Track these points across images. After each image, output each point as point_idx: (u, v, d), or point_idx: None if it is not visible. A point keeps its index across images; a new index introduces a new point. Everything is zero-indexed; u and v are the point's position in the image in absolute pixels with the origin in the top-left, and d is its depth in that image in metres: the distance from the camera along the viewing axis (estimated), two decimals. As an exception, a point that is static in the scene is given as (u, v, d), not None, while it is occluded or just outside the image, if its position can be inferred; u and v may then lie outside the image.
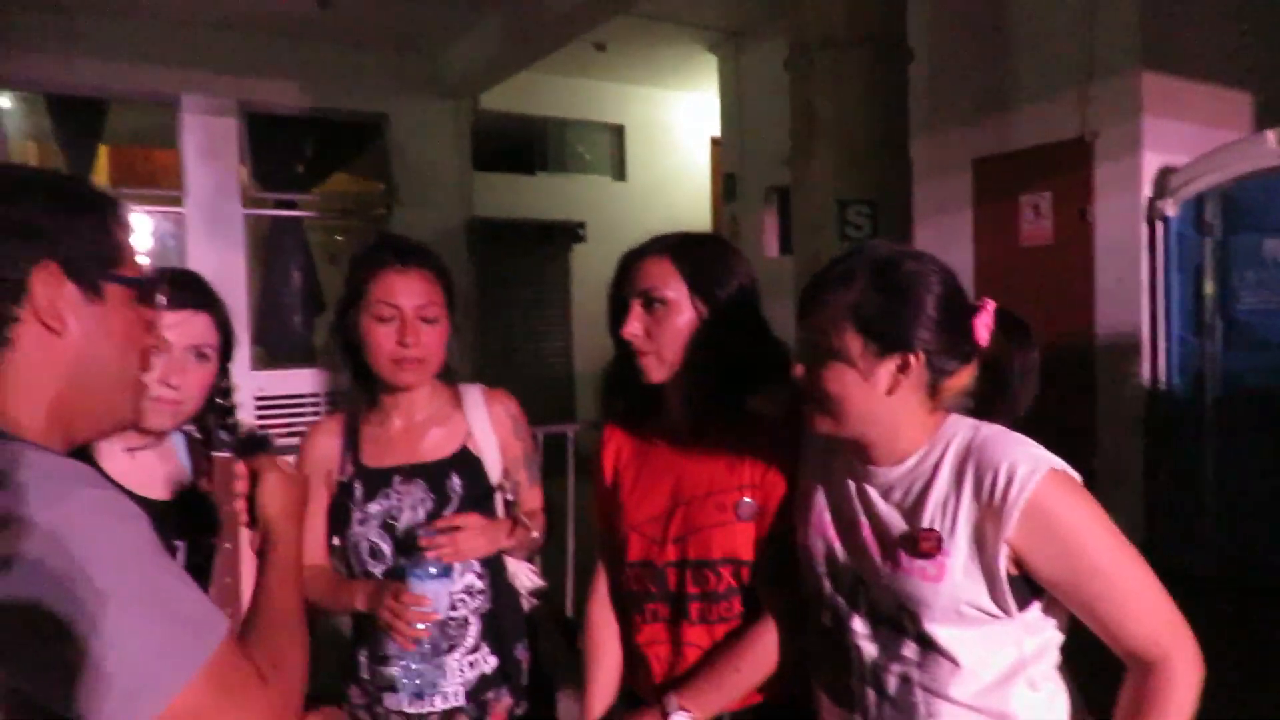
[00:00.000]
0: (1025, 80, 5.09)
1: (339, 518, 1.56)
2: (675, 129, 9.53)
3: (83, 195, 0.86)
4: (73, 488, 0.72)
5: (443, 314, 1.54)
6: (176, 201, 6.63)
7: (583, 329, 8.78)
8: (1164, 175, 4.64)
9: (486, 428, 1.61)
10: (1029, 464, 1.02)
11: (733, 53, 7.52)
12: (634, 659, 1.42)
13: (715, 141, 9.10)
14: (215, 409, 1.43)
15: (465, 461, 1.58)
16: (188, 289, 1.32)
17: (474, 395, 1.65)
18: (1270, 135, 4.23)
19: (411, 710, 1.51)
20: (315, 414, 6.50)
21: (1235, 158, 4.38)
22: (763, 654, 1.28)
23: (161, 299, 0.92)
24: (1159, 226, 4.66)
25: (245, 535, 1.33)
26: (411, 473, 1.55)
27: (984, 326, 1.12)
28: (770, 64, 6.73)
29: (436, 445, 1.58)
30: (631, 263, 1.39)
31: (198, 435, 1.48)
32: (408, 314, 1.50)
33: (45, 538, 0.68)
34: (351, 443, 1.58)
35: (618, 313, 1.39)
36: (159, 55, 6.35)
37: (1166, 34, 4.66)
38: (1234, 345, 4.48)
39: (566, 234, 8.64)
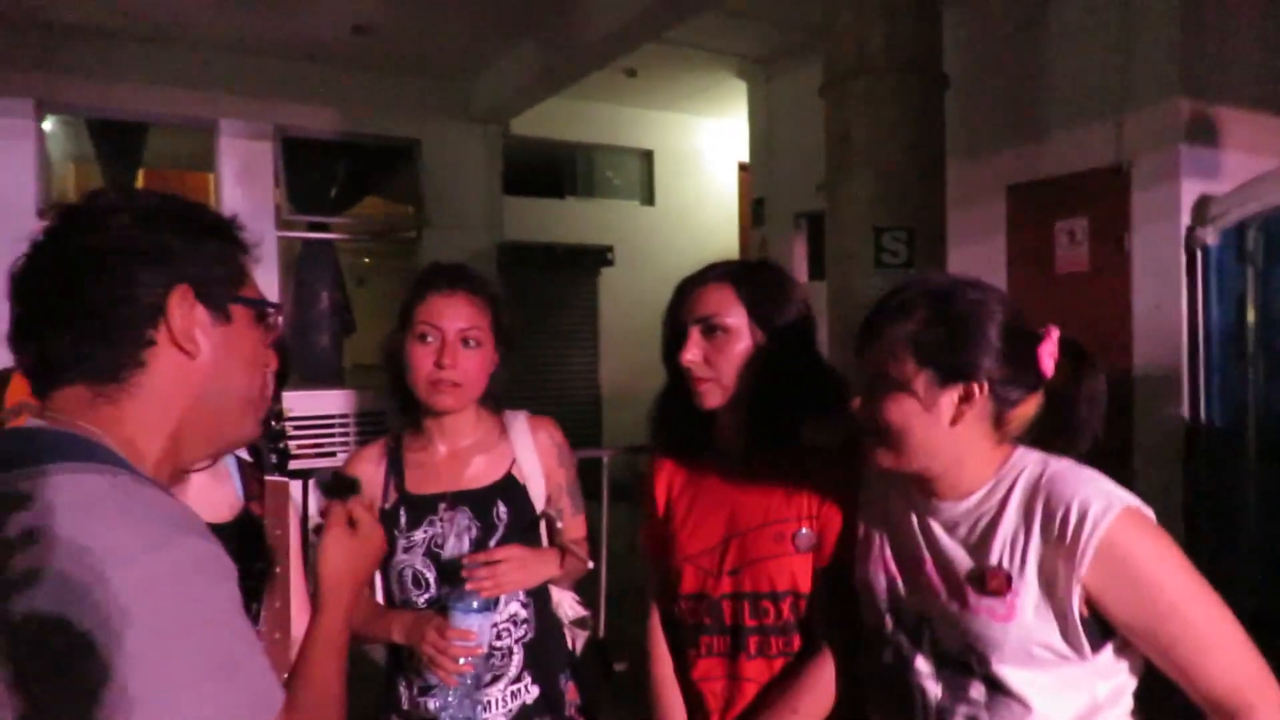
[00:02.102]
0: (1061, 107, 5.05)
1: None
2: (704, 154, 9.56)
3: (206, 220, 0.88)
4: (177, 535, 0.71)
5: (487, 338, 1.53)
6: (212, 224, 6.71)
7: (610, 353, 8.78)
8: (1203, 203, 4.58)
9: (532, 455, 1.60)
10: (1102, 501, 0.99)
11: (762, 79, 7.54)
12: (689, 695, 1.39)
13: (743, 167, 9.12)
14: (268, 432, 1.43)
15: (511, 489, 1.56)
16: None
17: (519, 422, 1.64)
18: (1313, 163, 4.17)
19: None
20: (344, 435, 6.53)
21: (1277, 186, 4.31)
22: (820, 694, 1.25)
23: (279, 319, 0.93)
24: (1199, 255, 4.59)
25: (297, 558, 1.32)
26: (457, 500, 1.54)
27: (1049, 355, 1.09)
28: (799, 90, 6.76)
29: (482, 472, 1.56)
30: (690, 289, 1.38)
31: (248, 458, 1.48)
32: (448, 335, 1.49)
33: (141, 583, 0.66)
34: (395, 469, 1.57)
35: (674, 339, 1.37)
36: (198, 81, 6.48)
37: (1204, 61, 4.61)
38: (1275, 376, 4.39)
39: (595, 258, 8.66)
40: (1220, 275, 4.53)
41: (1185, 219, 4.61)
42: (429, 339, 1.49)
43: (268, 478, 1.46)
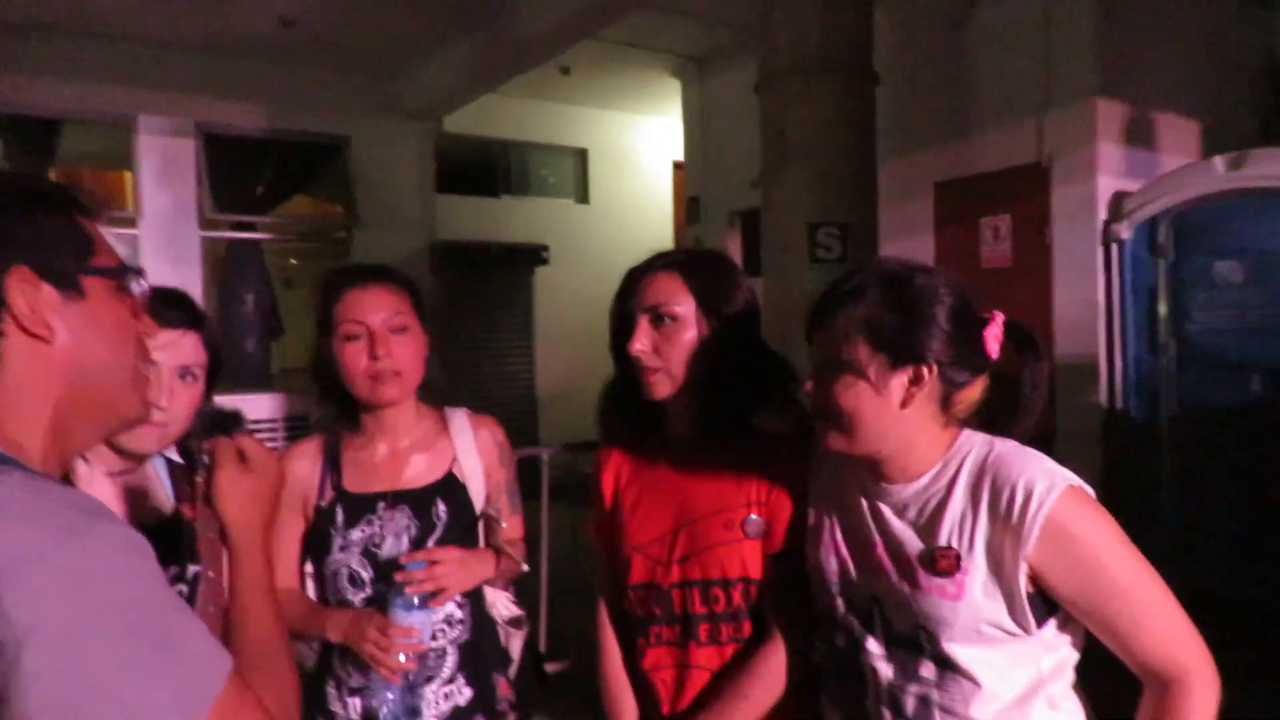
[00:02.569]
0: (986, 106, 5.21)
1: (317, 544, 1.52)
2: (638, 153, 9.59)
3: (43, 192, 0.81)
4: (83, 524, 0.68)
5: (414, 324, 1.51)
6: (130, 223, 6.48)
7: (546, 352, 8.74)
8: (1118, 199, 4.78)
9: (472, 453, 1.58)
10: (1046, 480, 1.03)
11: (696, 78, 7.60)
12: (640, 685, 1.39)
13: (677, 165, 9.17)
14: (200, 432, 1.38)
15: (451, 488, 1.54)
16: (176, 307, 1.28)
17: (460, 420, 1.62)
18: (1218, 161, 4.38)
19: None
20: (272, 440, 6.36)
21: (1186, 183, 4.52)
22: (772, 679, 1.26)
23: (143, 283, 0.86)
24: (1114, 249, 4.79)
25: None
26: (396, 499, 1.51)
27: (994, 338, 1.12)
28: (733, 89, 6.83)
29: (422, 471, 1.54)
30: (638, 278, 1.37)
31: (179, 459, 1.42)
32: (375, 328, 1.46)
33: (57, 579, 0.64)
34: (333, 466, 1.54)
35: (622, 329, 1.36)
36: (116, 75, 6.23)
37: (1121, 64, 4.81)
38: (1186, 364, 4.60)
39: (530, 257, 8.61)
40: (1134, 268, 4.74)
41: (1102, 215, 4.80)
42: (358, 337, 1.46)
43: (198, 479, 1.41)
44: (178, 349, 1.25)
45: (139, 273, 0.86)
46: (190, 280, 6.45)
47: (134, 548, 0.70)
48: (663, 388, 1.32)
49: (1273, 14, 5.66)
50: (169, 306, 1.26)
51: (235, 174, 6.91)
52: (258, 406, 6.42)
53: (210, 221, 6.85)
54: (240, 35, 6.27)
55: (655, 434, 1.42)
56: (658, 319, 1.32)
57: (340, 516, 1.50)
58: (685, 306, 1.32)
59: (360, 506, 1.50)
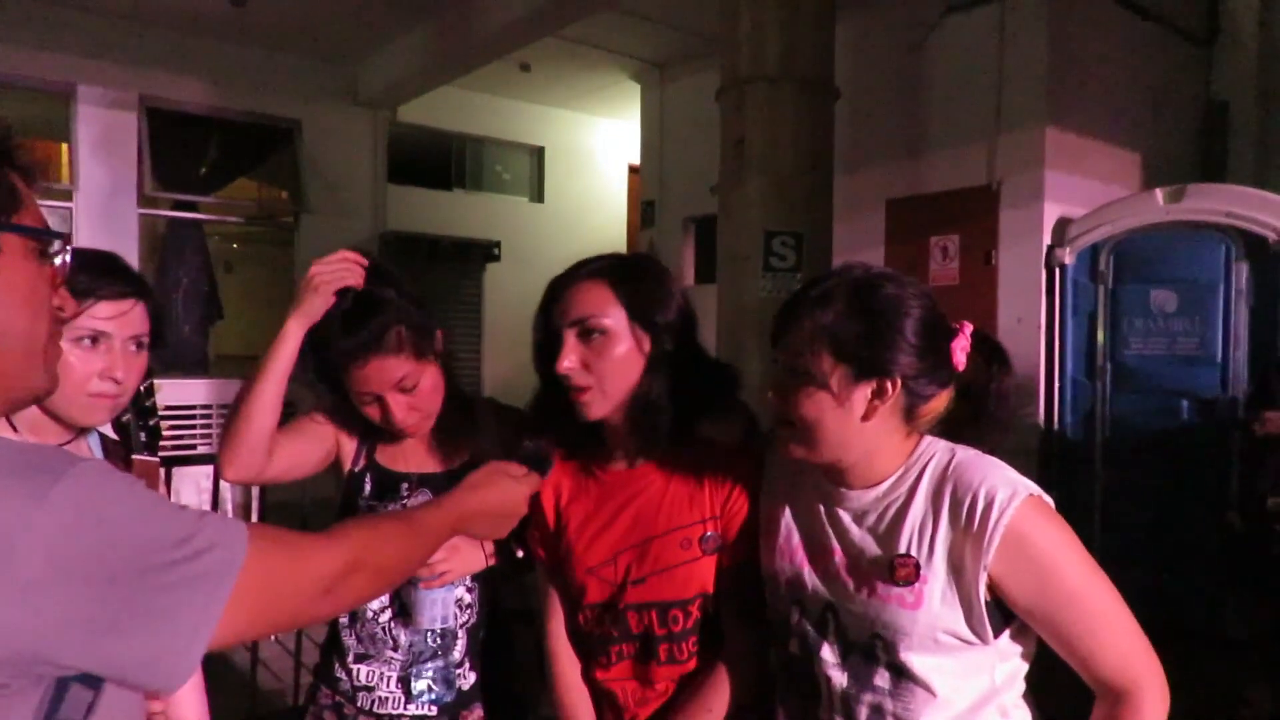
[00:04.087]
0: (939, 128, 5.31)
1: (344, 507, 1.54)
2: (595, 154, 9.55)
3: None
4: (49, 469, 0.64)
5: (418, 370, 1.44)
6: (65, 196, 6.23)
7: (494, 349, 8.64)
8: (1062, 225, 4.91)
9: (494, 444, 1.55)
10: (1008, 489, 1.03)
11: (656, 83, 7.60)
12: (599, 694, 1.34)
13: (633, 169, 9.16)
14: (138, 409, 1.33)
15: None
16: (122, 277, 1.22)
17: (485, 409, 1.63)
18: (1159, 193, 4.53)
19: (382, 712, 1.49)
20: (207, 426, 6.17)
21: (1127, 212, 4.66)
22: (732, 689, 1.23)
23: (67, 258, 0.80)
24: (1056, 273, 4.92)
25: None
26: (420, 482, 1.54)
27: (961, 350, 1.11)
28: (692, 96, 6.85)
29: (445, 457, 1.55)
30: (561, 289, 1.26)
31: (114, 436, 1.36)
32: (387, 396, 1.43)
33: (52, 528, 0.62)
34: (369, 439, 1.54)
35: (547, 345, 1.25)
36: (56, 42, 6.00)
37: (1069, 94, 4.95)
38: (1121, 389, 4.74)
39: (481, 253, 8.51)
40: (1075, 293, 4.87)
41: (1047, 239, 4.93)
42: (374, 401, 1.44)
43: (136, 457, 1.36)
44: (127, 320, 1.20)
45: (65, 240, 0.80)
46: (127, 258, 6.14)
47: (108, 468, 0.69)
48: (596, 408, 1.23)
49: (1210, 52, 5.89)
50: (113, 275, 1.21)
51: (179, 151, 6.71)
52: (194, 392, 6.23)
53: (150, 199, 6.63)
54: (189, 10, 6.08)
55: (591, 447, 1.34)
56: (586, 333, 1.22)
57: (369, 487, 1.54)
58: (615, 318, 1.22)
59: (388, 482, 1.54)
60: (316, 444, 1.52)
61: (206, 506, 2.97)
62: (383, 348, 1.38)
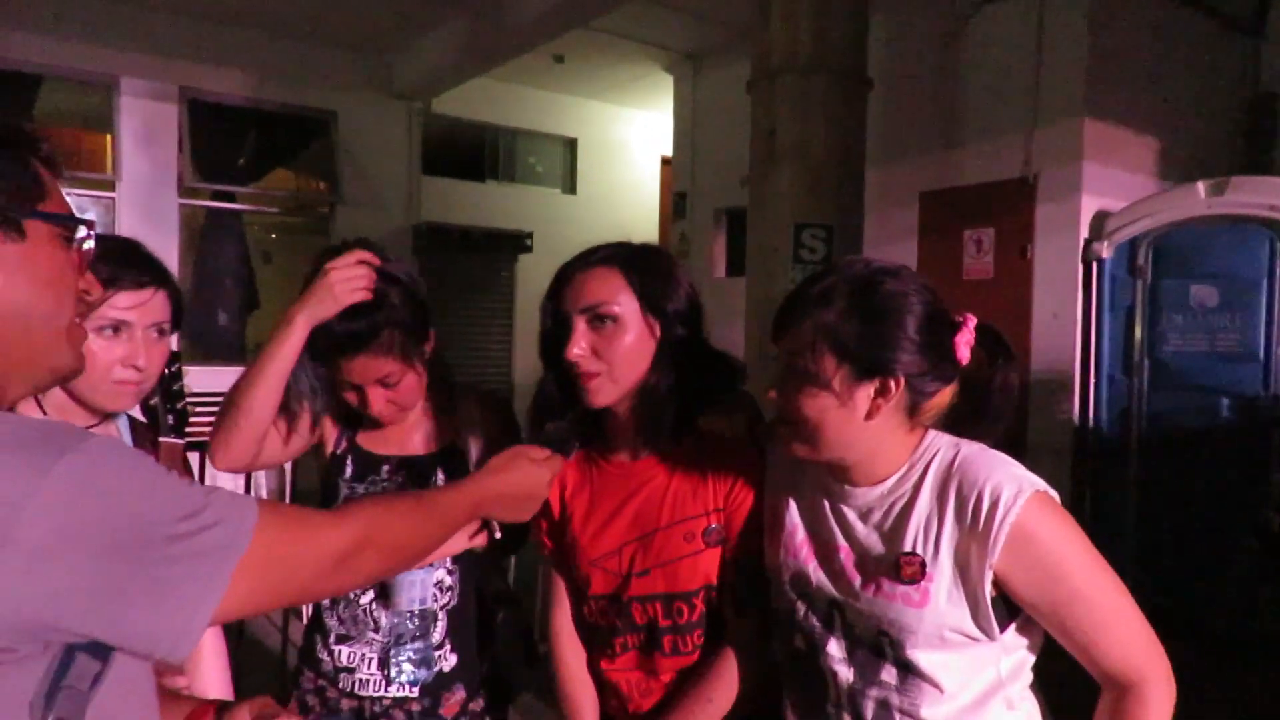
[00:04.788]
0: (974, 119, 5.24)
1: (325, 488, 1.56)
2: (627, 146, 9.55)
3: None
4: (56, 443, 0.66)
5: (403, 370, 1.45)
6: (108, 186, 6.37)
7: (526, 340, 8.67)
8: (1100, 219, 4.81)
9: (475, 428, 1.59)
10: (1013, 486, 1.02)
11: (689, 74, 7.58)
12: (604, 686, 1.36)
13: (665, 160, 9.15)
14: (165, 392, 1.36)
15: (450, 457, 1.57)
16: (144, 266, 1.25)
17: (469, 398, 1.64)
18: (1200, 186, 4.42)
19: (363, 694, 1.50)
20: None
21: (1167, 206, 4.56)
22: (735, 681, 1.24)
23: (91, 243, 0.83)
24: (1094, 267, 4.83)
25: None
26: (400, 465, 1.55)
27: (965, 344, 1.10)
28: (725, 88, 6.82)
29: (425, 440, 1.57)
30: (572, 274, 1.25)
31: (142, 418, 1.40)
32: (370, 388, 1.45)
33: (57, 500, 0.64)
34: (351, 422, 1.56)
35: (556, 331, 1.25)
36: (100, 34, 6.13)
37: (1109, 84, 4.85)
38: (1159, 386, 4.65)
39: (513, 244, 8.56)
40: (1113, 288, 4.77)
41: (1084, 233, 4.84)
42: (354, 390, 1.46)
43: (163, 439, 1.39)
44: (148, 308, 1.23)
45: (89, 226, 0.83)
46: (167, 248, 6.36)
47: (117, 444, 0.71)
48: (604, 395, 1.23)
49: (1258, 42, 5.73)
50: (135, 265, 1.24)
51: (218, 142, 6.83)
52: (231, 380, 6.33)
53: (190, 189, 6.75)
54: (229, 3, 6.18)
55: (596, 438, 1.34)
56: (596, 320, 1.22)
57: (350, 469, 1.55)
58: (626, 305, 1.22)
59: (368, 464, 1.55)
60: (301, 431, 1.53)
61: (240, 490, 3.03)
62: (372, 346, 1.39)
